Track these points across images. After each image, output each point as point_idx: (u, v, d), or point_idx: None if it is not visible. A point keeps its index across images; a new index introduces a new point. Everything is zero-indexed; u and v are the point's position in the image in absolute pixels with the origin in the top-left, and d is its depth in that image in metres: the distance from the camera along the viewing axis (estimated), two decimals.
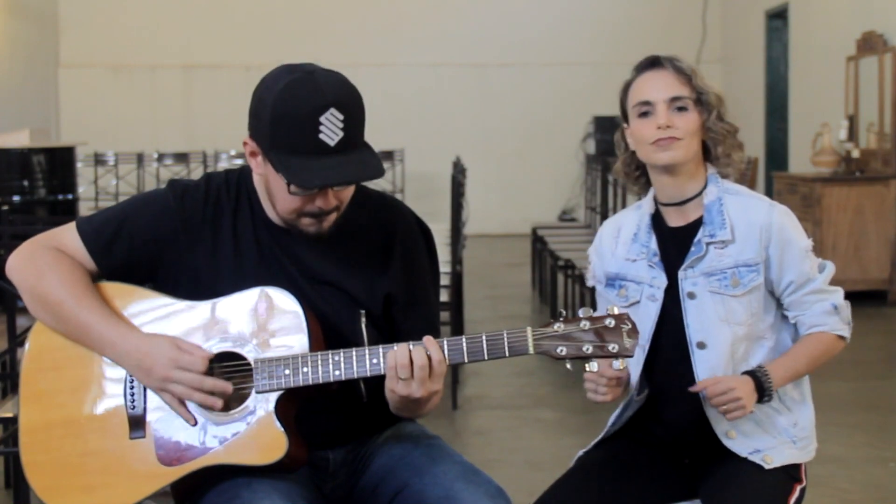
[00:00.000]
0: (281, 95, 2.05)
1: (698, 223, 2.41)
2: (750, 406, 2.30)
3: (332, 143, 2.04)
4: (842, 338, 2.42)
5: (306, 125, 2.03)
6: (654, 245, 2.44)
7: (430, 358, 2.03)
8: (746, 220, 2.38)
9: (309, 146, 2.04)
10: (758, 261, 2.37)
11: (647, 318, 2.41)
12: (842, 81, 9.24)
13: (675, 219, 2.44)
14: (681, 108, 2.37)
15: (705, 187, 2.41)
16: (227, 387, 2.06)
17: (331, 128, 2.04)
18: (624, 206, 6.04)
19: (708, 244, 2.38)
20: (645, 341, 2.40)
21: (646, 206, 2.49)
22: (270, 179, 2.13)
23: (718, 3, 12.97)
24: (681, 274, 2.39)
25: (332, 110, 2.04)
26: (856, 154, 8.56)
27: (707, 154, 2.44)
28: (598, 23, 12.96)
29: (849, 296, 2.46)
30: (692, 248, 2.39)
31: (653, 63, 2.42)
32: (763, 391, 2.32)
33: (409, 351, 2.04)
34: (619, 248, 2.49)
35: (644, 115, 2.38)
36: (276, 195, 2.14)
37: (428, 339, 2.05)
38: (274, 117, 2.05)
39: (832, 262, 2.45)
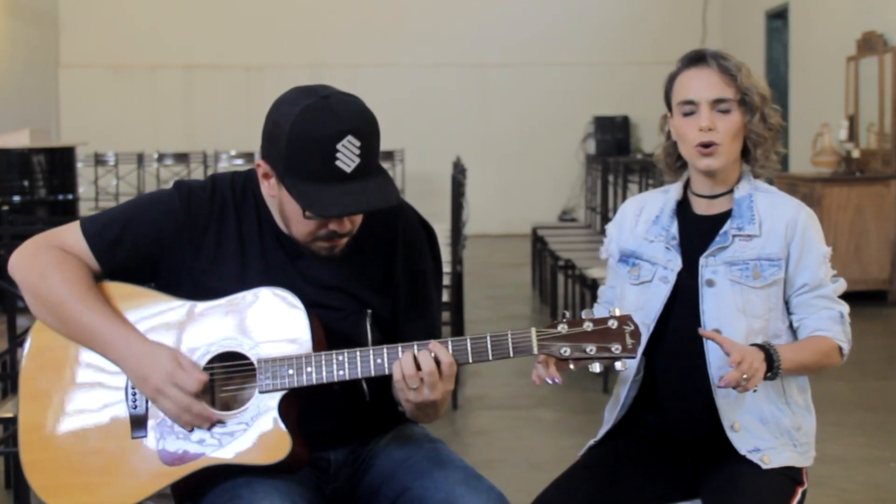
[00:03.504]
0: (298, 121, 2.03)
1: (726, 215, 2.43)
2: (759, 378, 2.23)
3: (348, 170, 2.04)
4: (840, 351, 2.40)
5: (323, 152, 2.03)
6: (674, 230, 2.46)
7: (438, 362, 2.03)
8: (774, 215, 2.40)
9: (325, 173, 2.03)
10: (780, 256, 2.38)
11: (656, 298, 2.42)
12: (842, 81, 9.24)
13: (702, 208, 2.47)
14: (723, 111, 2.38)
15: (738, 183, 2.44)
16: (212, 415, 2.05)
17: (348, 154, 2.04)
18: None
19: (734, 236, 2.39)
20: (651, 321, 2.40)
21: (673, 191, 2.51)
22: (285, 203, 2.13)
23: (718, 3, 12.98)
24: (702, 261, 2.40)
25: (350, 137, 2.03)
26: (856, 154, 8.56)
27: (745, 152, 2.44)
28: (598, 23, 12.96)
29: (849, 296, 2.46)
30: (717, 238, 2.40)
31: (698, 59, 2.41)
32: (772, 364, 2.26)
33: (415, 357, 2.03)
34: (640, 226, 2.51)
35: (688, 114, 2.39)
36: (290, 218, 2.14)
37: (433, 343, 2.05)
38: (290, 143, 2.04)
39: (834, 265, 2.46)
